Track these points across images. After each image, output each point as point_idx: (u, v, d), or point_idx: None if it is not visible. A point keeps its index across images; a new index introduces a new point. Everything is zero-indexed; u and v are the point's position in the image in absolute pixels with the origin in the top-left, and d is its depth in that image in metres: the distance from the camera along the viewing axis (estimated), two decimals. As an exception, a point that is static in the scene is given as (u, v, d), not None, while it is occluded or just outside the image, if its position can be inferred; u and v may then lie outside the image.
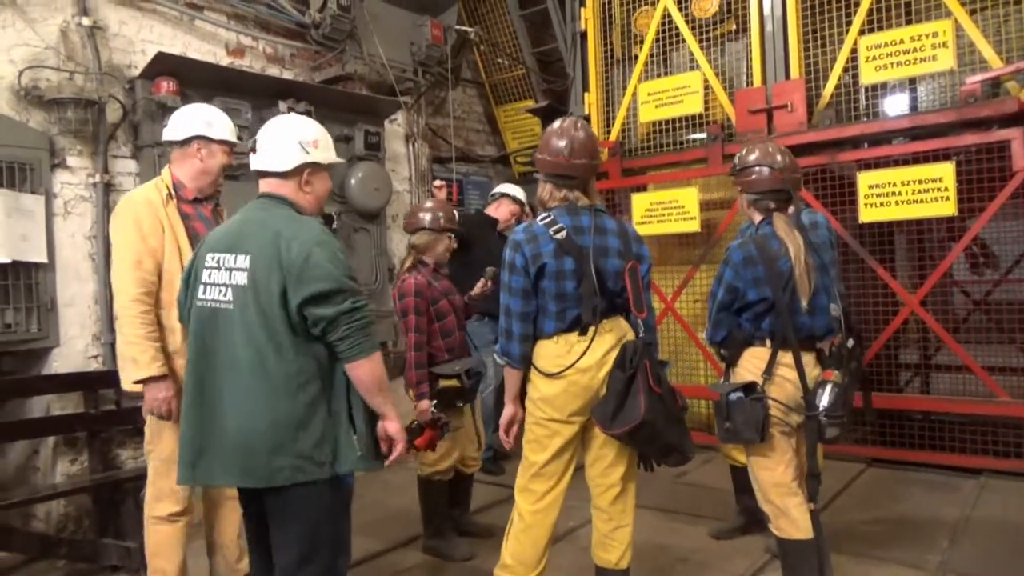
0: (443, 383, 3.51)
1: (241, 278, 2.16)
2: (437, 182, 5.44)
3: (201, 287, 2.24)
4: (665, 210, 5.46)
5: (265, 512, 2.25)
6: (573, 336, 2.52)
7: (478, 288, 3.82)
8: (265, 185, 2.31)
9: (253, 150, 2.31)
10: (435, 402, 3.45)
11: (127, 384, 2.84)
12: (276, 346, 2.12)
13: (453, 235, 3.77)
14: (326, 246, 2.16)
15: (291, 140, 2.28)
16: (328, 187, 2.41)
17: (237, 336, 2.14)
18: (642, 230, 5.17)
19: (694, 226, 5.33)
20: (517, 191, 5.19)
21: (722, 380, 2.93)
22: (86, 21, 3.96)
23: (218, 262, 2.23)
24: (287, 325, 2.12)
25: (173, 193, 2.88)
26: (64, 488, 3.67)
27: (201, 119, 2.93)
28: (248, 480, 2.15)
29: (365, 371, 2.15)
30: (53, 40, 3.87)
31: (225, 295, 2.19)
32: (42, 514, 3.80)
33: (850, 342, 2.78)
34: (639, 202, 5.59)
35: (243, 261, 2.17)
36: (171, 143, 2.96)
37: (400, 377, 3.93)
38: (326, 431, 2.16)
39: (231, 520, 2.98)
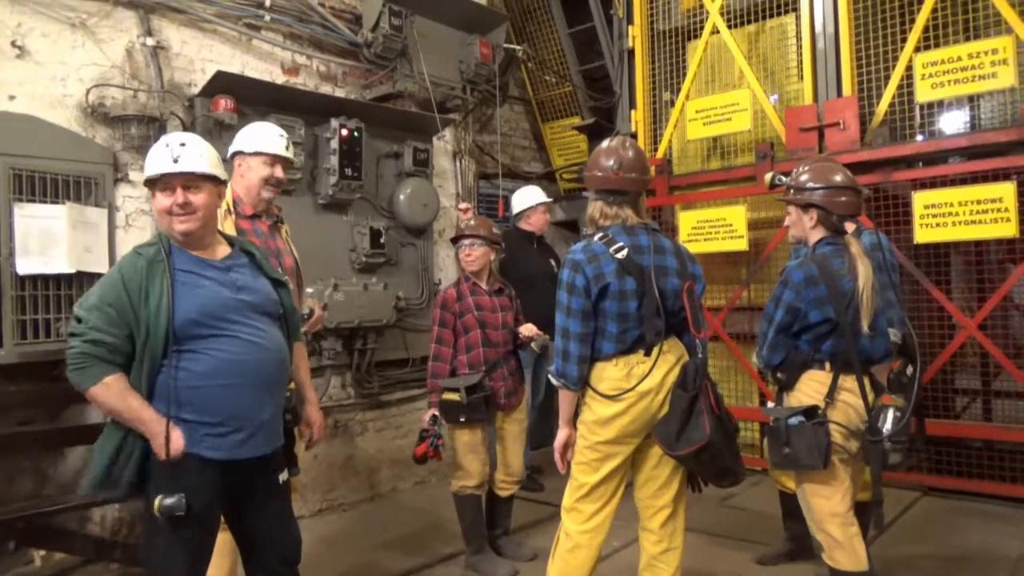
0: (446, 396, 3.56)
1: None
2: (463, 204, 5.27)
3: None
4: (712, 228, 5.40)
5: None
6: (634, 357, 2.50)
7: (525, 336, 3.83)
8: None
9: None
10: (434, 414, 3.57)
11: None
12: None
13: (478, 244, 3.73)
14: (106, 275, 2.21)
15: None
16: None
17: None
18: (688, 248, 5.14)
19: (742, 245, 5.27)
20: (541, 194, 5.06)
21: (772, 404, 2.87)
22: (150, 41, 4.10)
23: None
24: None
25: (232, 209, 3.00)
26: (119, 493, 3.76)
27: (242, 136, 3.07)
28: None
29: (92, 399, 2.13)
30: (119, 59, 4.02)
31: None
32: (97, 518, 3.90)
33: (909, 368, 2.71)
34: (686, 220, 5.55)
35: None
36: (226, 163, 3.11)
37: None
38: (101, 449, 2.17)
39: None
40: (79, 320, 2.09)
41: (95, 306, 2.09)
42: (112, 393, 2.08)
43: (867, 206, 4.74)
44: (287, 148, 3.11)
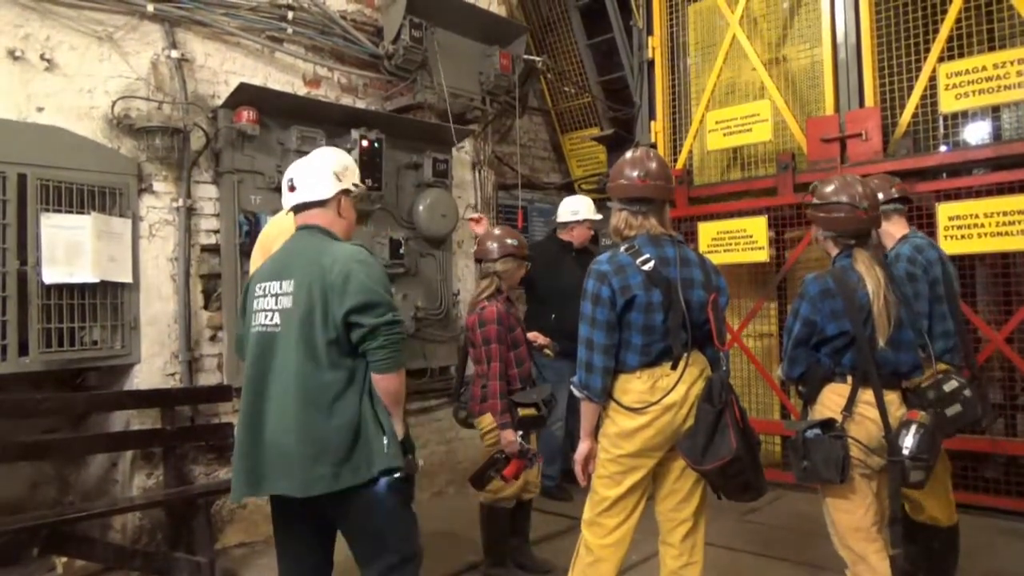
0: (522, 412, 3.51)
1: (286, 301, 2.33)
2: (474, 215, 4.97)
3: (254, 316, 2.41)
4: (732, 239, 5.36)
5: (310, 520, 2.42)
6: (659, 370, 2.49)
7: (541, 343, 3.81)
8: (304, 217, 2.47)
9: (291, 188, 2.46)
10: (520, 433, 3.45)
11: None
12: (314, 361, 2.27)
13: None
14: (364, 264, 2.32)
15: (327, 172, 2.45)
16: (354, 216, 2.57)
17: (284, 356, 2.30)
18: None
19: (763, 256, 5.23)
20: (590, 209, 4.96)
21: (798, 418, 2.84)
22: (175, 54, 4.16)
23: (264, 290, 2.40)
24: (326, 341, 2.26)
25: None
26: (140, 501, 3.79)
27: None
28: (292, 488, 2.26)
29: (393, 384, 2.31)
30: (144, 72, 4.08)
31: (273, 319, 2.35)
32: (119, 525, 3.93)
33: (952, 383, 2.64)
34: (705, 231, 5.52)
35: (287, 286, 2.34)
36: None
37: (455, 402, 3.96)
38: (360, 437, 2.28)
39: None
40: (393, 309, 2.30)
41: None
42: (404, 379, 2.38)
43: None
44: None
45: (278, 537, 2.50)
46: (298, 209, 2.48)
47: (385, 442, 2.28)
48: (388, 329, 2.25)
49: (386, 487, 2.31)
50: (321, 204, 2.44)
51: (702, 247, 5.44)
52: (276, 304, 2.35)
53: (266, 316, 2.36)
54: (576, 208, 4.99)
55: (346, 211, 2.50)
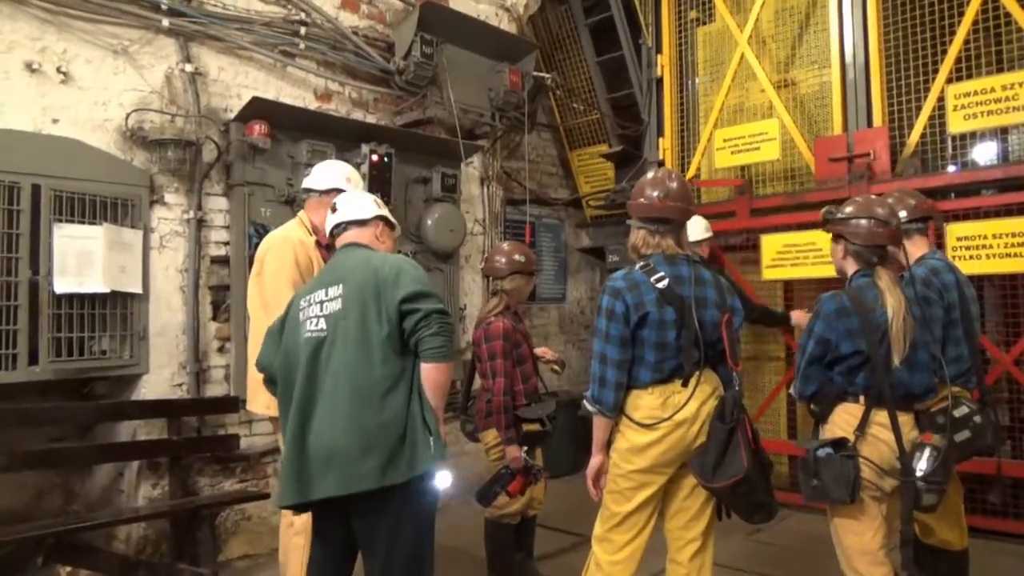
0: (527, 427, 3.50)
1: (333, 305, 2.37)
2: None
3: (300, 326, 2.44)
4: (800, 253, 5.19)
5: (342, 529, 2.40)
6: (671, 387, 2.50)
7: (550, 358, 3.83)
8: (346, 237, 2.62)
9: (333, 210, 2.62)
10: (526, 448, 3.45)
11: (254, 406, 3.15)
12: (368, 357, 2.30)
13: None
14: (413, 265, 2.47)
15: (368, 199, 2.69)
16: (392, 247, 2.70)
17: (333, 356, 2.33)
18: (773, 273, 5.15)
19: (832, 271, 5.08)
20: (706, 228, 4.86)
21: (811, 436, 2.82)
22: (189, 68, 4.20)
23: (310, 300, 2.45)
24: (381, 336, 2.31)
25: (314, 236, 3.18)
26: (145, 512, 3.79)
27: (342, 174, 3.21)
28: (340, 487, 2.26)
29: (442, 373, 2.35)
30: (158, 85, 4.12)
31: (319, 325, 2.39)
32: (123, 535, 3.93)
33: (963, 409, 2.62)
34: (769, 243, 5.23)
35: (335, 290, 2.39)
36: (310, 191, 3.24)
37: (461, 415, 3.96)
38: (407, 434, 2.29)
39: None
40: (443, 301, 2.39)
41: None
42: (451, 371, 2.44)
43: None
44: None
45: (314, 546, 2.50)
46: (341, 230, 2.62)
47: (432, 443, 2.30)
48: (441, 317, 2.31)
49: (423, 488, 2.34)
50: (362, 224, 2.59)
51: (765, 261, 5.26)
52: (322, 310, 2.40)
53: (312, 323, 2.41)
54: (707, 224, 4.87)
55: (383, 237, 2.64)
